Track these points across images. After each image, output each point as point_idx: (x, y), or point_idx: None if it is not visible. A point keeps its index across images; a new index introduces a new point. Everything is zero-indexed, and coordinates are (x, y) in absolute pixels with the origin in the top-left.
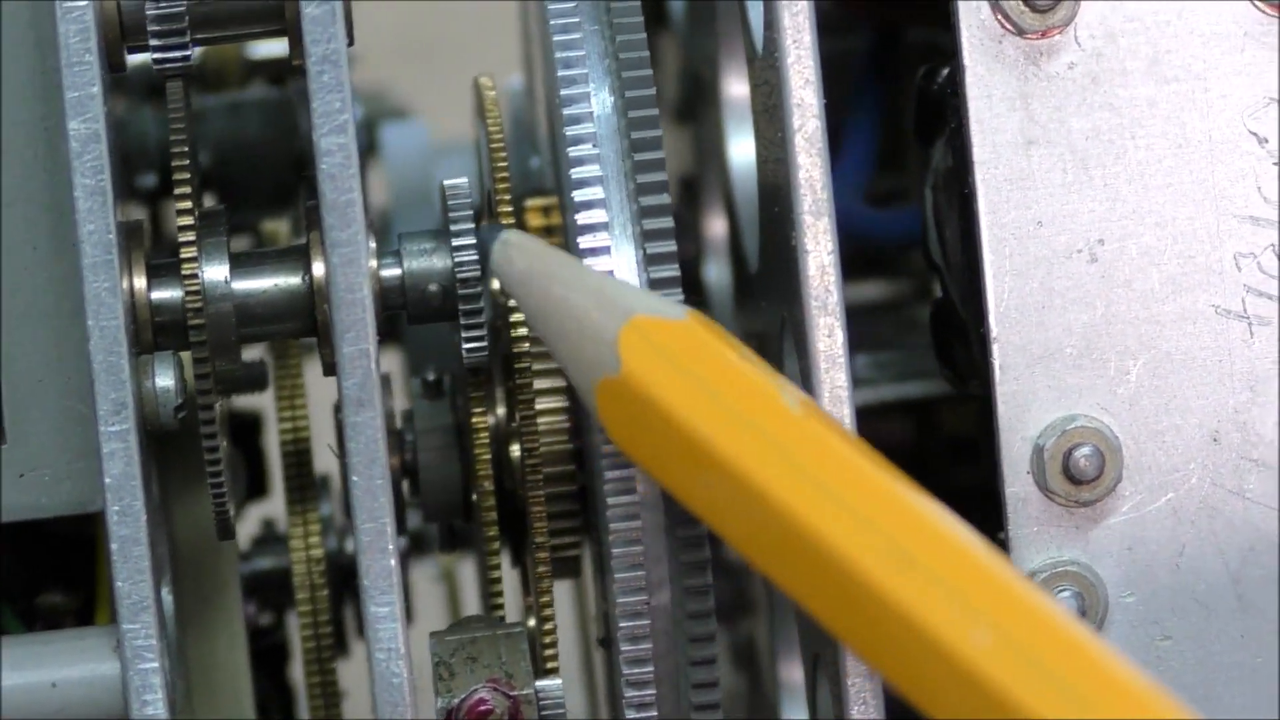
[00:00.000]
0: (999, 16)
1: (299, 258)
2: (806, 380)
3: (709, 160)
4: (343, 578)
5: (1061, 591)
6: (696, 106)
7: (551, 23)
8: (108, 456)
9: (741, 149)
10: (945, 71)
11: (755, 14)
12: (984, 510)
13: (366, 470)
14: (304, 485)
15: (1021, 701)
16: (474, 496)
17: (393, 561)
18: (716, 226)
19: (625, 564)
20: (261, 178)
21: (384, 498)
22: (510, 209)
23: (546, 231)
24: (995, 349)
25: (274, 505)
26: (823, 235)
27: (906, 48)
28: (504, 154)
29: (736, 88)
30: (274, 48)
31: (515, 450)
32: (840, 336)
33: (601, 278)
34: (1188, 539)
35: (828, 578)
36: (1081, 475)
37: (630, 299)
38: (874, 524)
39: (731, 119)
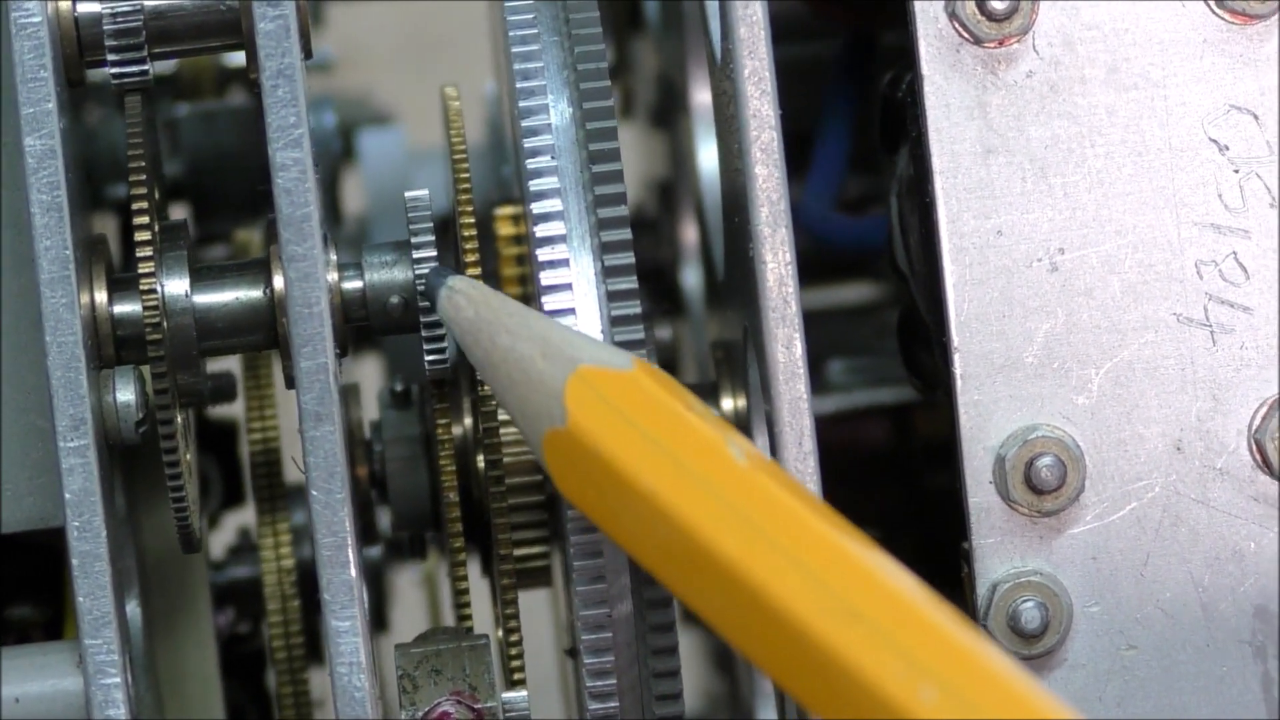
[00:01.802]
0: (956, 25)
1: (260, 271)
2: (766, 390)
3: (682, 166)
4: (315, 586)
5: (1025, 602)
6: (670, 111)
7: (511, 33)
8: (67, 472)
9: (710, 156)
10: (908, 78)
11: (716, 23)
12: (959, 516)
13: (326, 484)
14: (274, 495)
15: None
16: (441, 506)
17: (353, 574)
18: (692, 232)
19: (586, 576)
20: (234, 187)
21: (344, 512)
22: (472, 220)
23: (516, 240)
24: (956, 358)
25: (251, 514)
26: (780, 246)
27: (880, 52)
28: (465, 165)
29: (704, 94)
30: None
31: (481, 460)
32: (799, 347)
33: (549, 325)
34: (1152, 548)
35: (773, 631)
36: (1043, 485)
37: (576, 348)
38: (819, 578)
39: (700, 125)
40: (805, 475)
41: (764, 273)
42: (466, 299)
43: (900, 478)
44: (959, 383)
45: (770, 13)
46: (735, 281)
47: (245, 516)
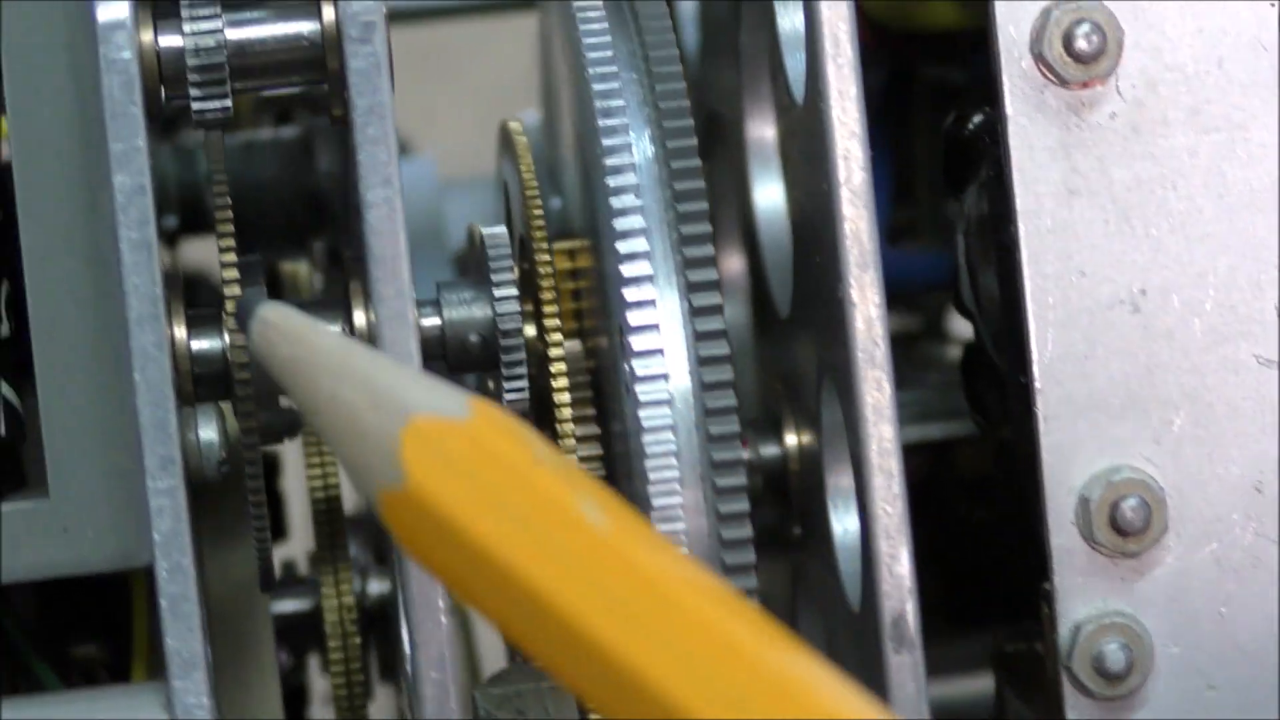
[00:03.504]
0: (1041, 67)
1: (338, 308)
2: (853, 432)
3: (724, 199)
4: (369, 622)
5: (1110, 643)
6: (710, 144)
7: (590, 70)
8: (156, 513)
9: (768, 193)
10: (977, 118)
11: (792, 63)
12: (999, 550)
13: None
14: (334, 533)
15: None
16: None
17: (444, 620)
18: (732, 265)
19: None
20: (275, 217)
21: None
22: (549, 258)
23: (572, 275)
24: (1039, 400)
25: (292, 548)
26: (869, 288)
27: (919, 85)
28: (539, 201)
29: (761, 131)
30: None
31: None
32: (888, 389)
33: (373, 364)
34: (1232, 589)
35: (641, 709)
36: (1129, 527)
37: (406, 394)
38: (679, 650)
39: (756, 162)
40: (895, 516)
41: (853, 315)
42: (280, 334)
43: (940, 512)
44: (1041, 424)
45: None
46: (807, 318)
47: (285, 551)
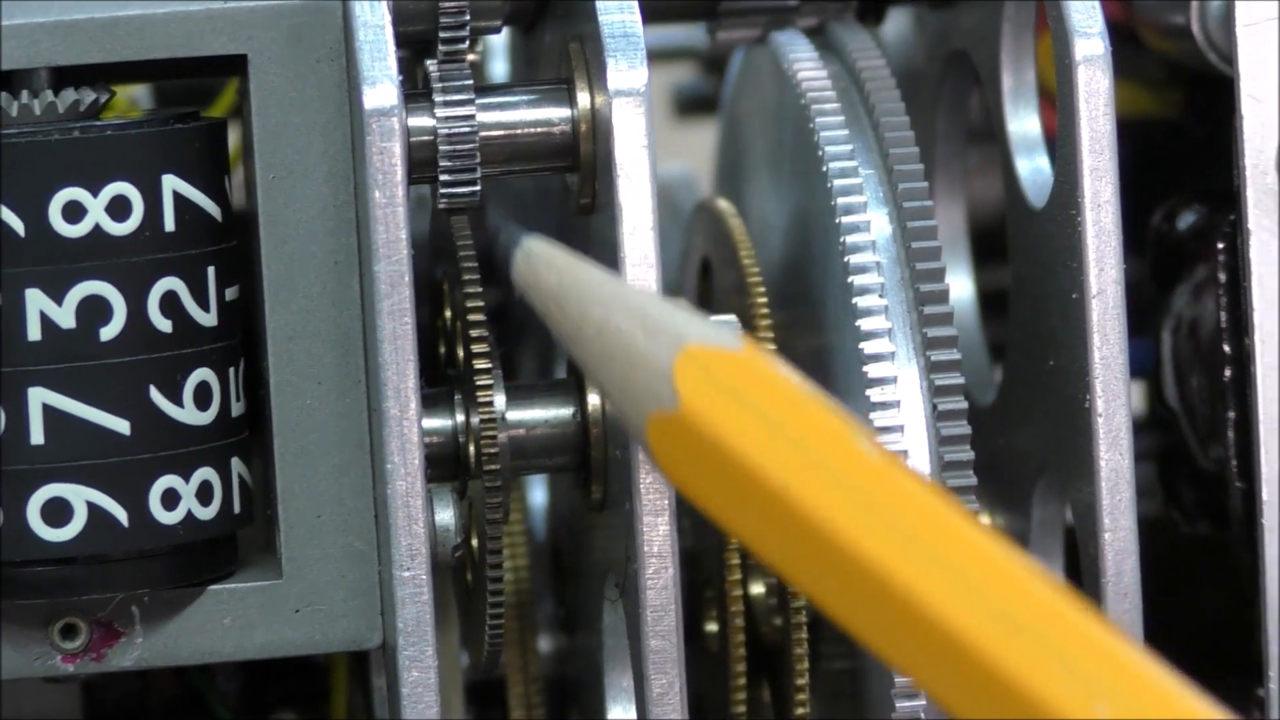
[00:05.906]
0: None
1: (570, 391)
2: (1089, 528)
3: None
4: (560, 698)
5: None
6: None
7: (826, 149)
8: (401, 602)
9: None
10: (1189, 217)
11: (1024, 165)
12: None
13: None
14: (522, 614)
15: None
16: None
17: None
18: None
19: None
20: None
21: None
22: (775, 348)
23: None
24: (1266, 512)
25: None
26: (1116, 400)
27: None
28: (762, 290)
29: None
30: None
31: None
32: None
33: (643, 297)
34: None
35: (924, 639)
36: None
37: (680, 324)
38: (974, 584)
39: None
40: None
41: (1097, 425)
42: (547, 265)
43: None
44: (1267, 535)
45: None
46: (1028, 416)
47: None
